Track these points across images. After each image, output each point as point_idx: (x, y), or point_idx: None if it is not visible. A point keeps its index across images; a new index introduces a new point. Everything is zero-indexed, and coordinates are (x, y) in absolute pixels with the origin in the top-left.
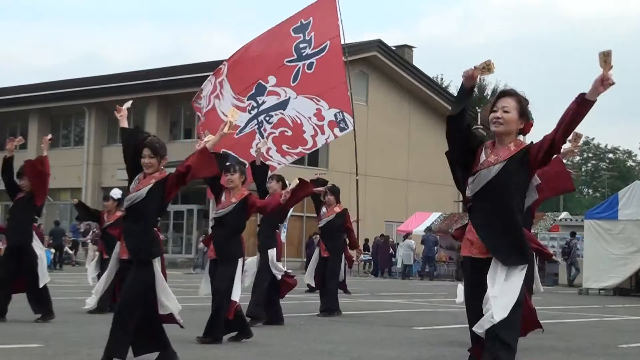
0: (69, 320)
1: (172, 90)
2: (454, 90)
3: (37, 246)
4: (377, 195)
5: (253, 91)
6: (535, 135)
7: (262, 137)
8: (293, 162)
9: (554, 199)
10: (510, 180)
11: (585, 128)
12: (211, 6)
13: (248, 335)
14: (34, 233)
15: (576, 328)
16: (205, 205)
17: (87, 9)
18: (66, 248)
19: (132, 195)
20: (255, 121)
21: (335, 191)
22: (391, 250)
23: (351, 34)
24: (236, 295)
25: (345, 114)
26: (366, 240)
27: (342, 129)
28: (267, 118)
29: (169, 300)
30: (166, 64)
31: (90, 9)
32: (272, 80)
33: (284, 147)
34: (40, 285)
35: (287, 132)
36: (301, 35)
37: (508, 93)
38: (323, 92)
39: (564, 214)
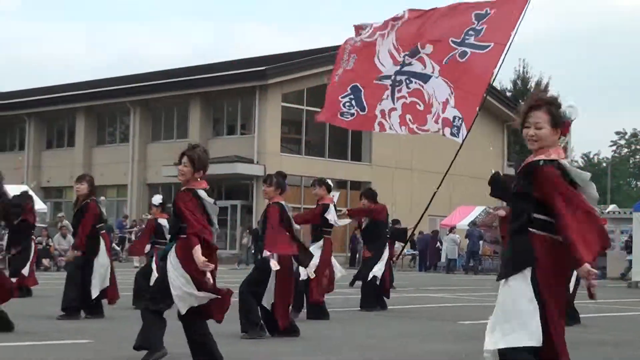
0: (117, 316)
1: (214, 87)
2: (496, 84)
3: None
4: (422, 190)
5: (408, 52)
6: (579, 129)
7: (393, 97)
8: (336, 157)
9: (600, 192)
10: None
11: (633, 121)
12: (252, 1)
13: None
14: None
15: (624, 322)
16: (249, 201)
17: (128, 7)
18: (113, 244)
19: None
20: (392, 78)
21: (370, 195)
22: (438, 245)
23: None
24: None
25: (463, 123)
26: (412, 235)
27: (452, 134)
28: (407, 82)
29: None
30: (208, 60)
31: (131, 6)
32: (428, 49)
33: (407, 117)
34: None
35: (419, 105)
36: (476, 22)
37: (537, 106)
38: (459, 87)
39: (611, 207)
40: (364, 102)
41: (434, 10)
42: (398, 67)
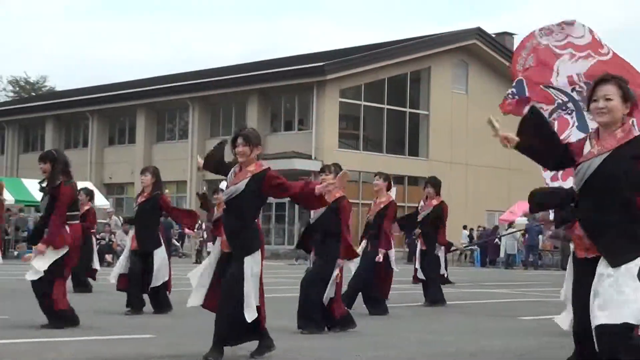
0: (178, 311)
1: (272, 83)
2: None
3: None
4: (478, 185)
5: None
6: None
7: (551, 115)
8: (394, 153)
9: None
10: (617, 171)
11: None
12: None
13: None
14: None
15: None
16: None
17: (188, 4)
18: (173, 240)
19: (229, 190)
20: (560, 97)
21: (436, 183)
22: (496, 241)
23: (448, 23)
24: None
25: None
26: (470, 230)
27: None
28: (564, 108)
29: (250, 301)
30: (266, 57)
31: (191, 4)
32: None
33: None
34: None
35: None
36: None
37: (605, 80)
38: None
39: None
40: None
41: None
42: (569, 90)
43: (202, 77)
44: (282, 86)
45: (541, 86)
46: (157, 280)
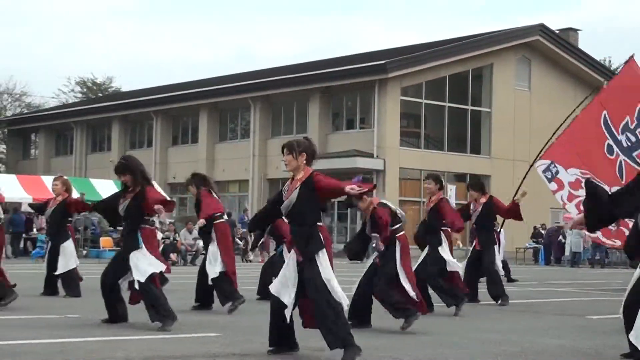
0: (242, 309)
1: (334, 82)
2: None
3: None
4: (542, 182)
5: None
6: None
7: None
8: (456, 151)
9: None
10: None
11: None
12: None
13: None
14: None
15: None
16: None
17: (249, 3)
18: (236, 239)
19: (285, 203)
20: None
21: (475, 184)
22: (560, 238)
23: (510, 19)
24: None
25: None
26: (535, 228)
27: None
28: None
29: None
30: (327, 55)
31: (252, 2)
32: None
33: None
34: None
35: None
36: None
37: None
38: None
39: None
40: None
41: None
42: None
43: (264, 76)
44: (343, 85)
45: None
46: (212, 272)
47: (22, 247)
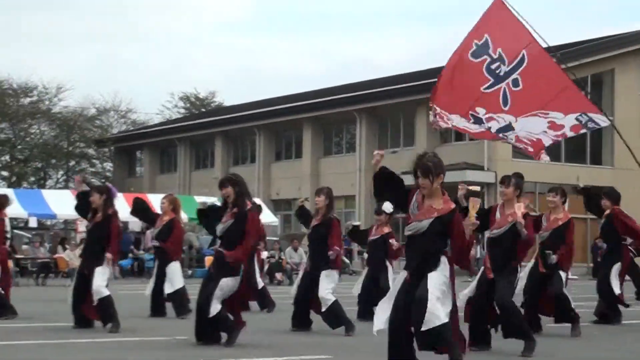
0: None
1: None
2: None
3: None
4: None
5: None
6: None
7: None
8: (574, 161)
9: None
10: None
11: None
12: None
13: None
14: None
15: None
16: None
17: (351, 13)
18: (342, 257)
19: (412, 225)
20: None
21: (612, 195)
22: None
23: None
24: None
25: (590, 114)
26: None
27: (590, 129)
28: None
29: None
30: (433, 64)
31: (354, 12)
32: (481, 111)
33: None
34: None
35: (529, 148)
36: (486, 57)
37: None
38: (547, 103)
39: None
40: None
41: (437, 88)
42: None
43: (369, 87)
44: None
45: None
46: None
47: (129, 267)
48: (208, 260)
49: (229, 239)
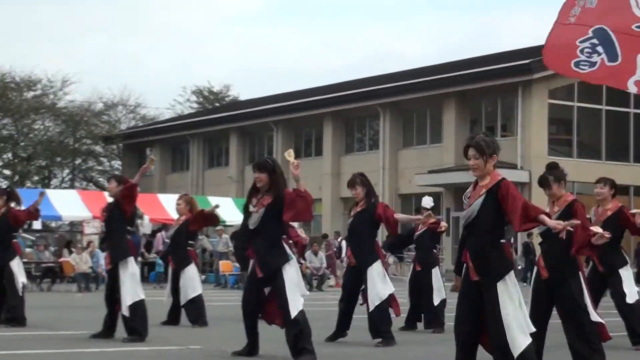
0: (401, 338)
1: (471, 85)
2: None
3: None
4: None
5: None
6: None
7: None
8: (615, 159)
9: None
10: None
11: None
12: None
13: None
14: None
15: None
16: None
17: (372, 5)
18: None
19: (466, 212)
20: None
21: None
22: None
23: None
24: None
25: None
26: None
27: None
28: None
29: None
30: (464, 56)
31: (375, 4)
32: None
33: None
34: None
35: None
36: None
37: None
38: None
39: None
40: (618, 50)
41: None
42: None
43: (393, 80)
44: (482, 88)
45: (633, 26)
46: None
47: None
48: (223, 265)
49: (266, 227)
